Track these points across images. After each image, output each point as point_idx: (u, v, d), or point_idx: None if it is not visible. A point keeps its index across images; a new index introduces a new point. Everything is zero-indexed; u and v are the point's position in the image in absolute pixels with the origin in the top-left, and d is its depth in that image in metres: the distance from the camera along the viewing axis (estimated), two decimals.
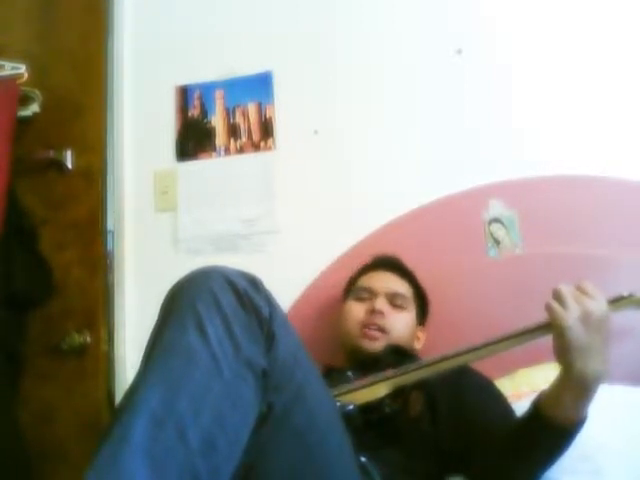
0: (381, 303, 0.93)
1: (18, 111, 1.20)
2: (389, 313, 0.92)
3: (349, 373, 0.84)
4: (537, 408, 0.70)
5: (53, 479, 1.11)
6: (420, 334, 0.99)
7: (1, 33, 1.29)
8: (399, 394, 0.76)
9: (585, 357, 0.65)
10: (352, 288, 0.99)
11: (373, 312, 0.92)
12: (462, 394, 0.81)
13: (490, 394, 0.84)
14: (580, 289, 0.67)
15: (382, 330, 0.91)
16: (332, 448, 0.63)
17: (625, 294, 0.71)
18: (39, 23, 1.30)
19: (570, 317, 0.65)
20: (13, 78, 1.22)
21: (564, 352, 0.66)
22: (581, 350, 0.65)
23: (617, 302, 0.70)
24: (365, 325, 0.91)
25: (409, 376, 0.76)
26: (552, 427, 0.68)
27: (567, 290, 0.67)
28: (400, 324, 0.93)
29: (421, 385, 0.78)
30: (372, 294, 0.95)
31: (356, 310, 0.94)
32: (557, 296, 0.67)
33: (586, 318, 0.65)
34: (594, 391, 0.67)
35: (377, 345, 0.90)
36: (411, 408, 0.77)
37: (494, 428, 0.75)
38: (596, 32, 1.11)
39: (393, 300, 0.94)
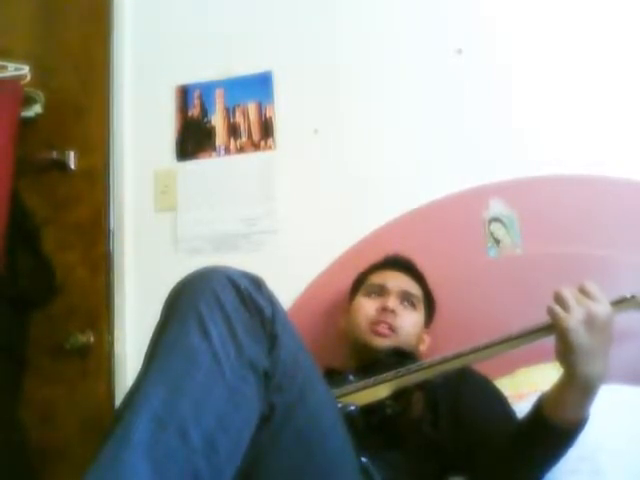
0: (393, 301, 0.92)
1: (21, 112, 1.21)
2: (400, 312, 0.92)
3: (350, 377, 0.84)
4: (539, 409, 0.70)
5: (55, 479, 1.11)
6: (425, 337, 0.99)
7: (5, 35, 1.30)
8: (400, 395, 0.76)
9: (588, 359, 0.65)
10: (362, 285, 0.99)
11: (385, 310, 0.91)
12: (462, 395, 0.81)
13: (490, 394, 0.84)
14: (583, 290, 0.67)
15: (392, 329, 0.91)
16: (334, 449, 0.63)
17: (628, 295, 0.71)
18: (42, 25, 1.30)
19: (572, 320, 0.64)
20: (16, 79, 1.22)
21: (566, 355, 0.66)
22: (584, 353, 0.65)
23: (619, 303, 0.70)
24: (375, 322, 0.91)
25: (410, 377, 0.76)
26: (554, 428, 0.68)
27: (569, 292, 0.66)
28: (410, 324, 0.93)
29: (422, 386, 0.78)
30: (384, 292, 0.94)
31: (367, 306, 0.94)
32: (559, 299, 0.67)
33: (589, 321, 0.64)
34: (596, 392, 0.67)
35: (385, 343, 0.89)
36: (412, 409, 0.77)
37: (495, 429, 0.75)
38: (596, 32, 1.11)
39: (405, 300, 0.95)
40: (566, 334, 0.65)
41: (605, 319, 0.65)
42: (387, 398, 0.76)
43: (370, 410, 0.75)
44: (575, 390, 0.66)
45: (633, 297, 0.71)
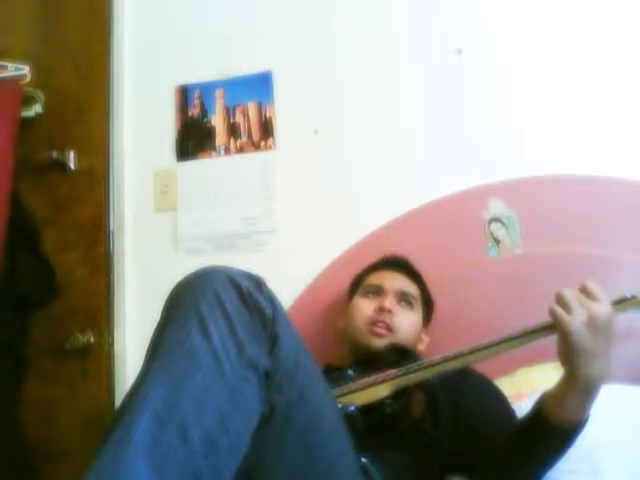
0: (390, 301, 0.93)
1: (21, 112, 1.21)
2: (397, 312, 0.93)
3: (350, 372, 0.84)
4: (540, 409, 0.70)
5: (56, 479, 1.11)
6: (424, 336, 0.99)
7: (4, 35, 1.30)
8: (400, 395, 0.76)
9: (589, 360, 0.65)
10: (360, 285, 0.99)
11: (382, 310, 0.92)
12: (463, 395, 0.81)
13: (491, 394, 0.84)
14: (585, 290, 0.67)
15: (389, 328, 0.91)
16: (334, 450, 0.63)
17: (628, 295, 0.71)
18: (42, 25, 1.30)
19: (574, 321, 0.65)
20: (16, 79, 1.22)
21: (568, 355, 0.66)
22: (585, 354, 0.65)
23: (620, 303, 0.70)
24: (373, 322, 0.91)
25: (410, 377, 0.76)
26: (555, 428, 0.68)
27: (571, 293, 0.66)
28: (407, 323, 0.93)
29: (422, 386, 0.78)
30: (381, 292, 0.95)
31: (365, 307, 0.94)
32: (560, 300, 0.67)
33: (591, 322, 0.65)
34: (597, 392, 0.67)
35: (383, 342, 0.90)
36: (412, 409, 0.77)
37: (495, 429, 0.75)
38: (596, 32, 1.11)
39: (402, 299, 0.95)
40: (569, 336, 0.65)
41: (606, 320, 0.66)
42: (387, 397, 0.76)
43: (370, 409, 0.75)
44: (576, 391, 0.66)
45: (634, 297, 0.71)
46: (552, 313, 0.67)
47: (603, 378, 0.67)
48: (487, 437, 0.75)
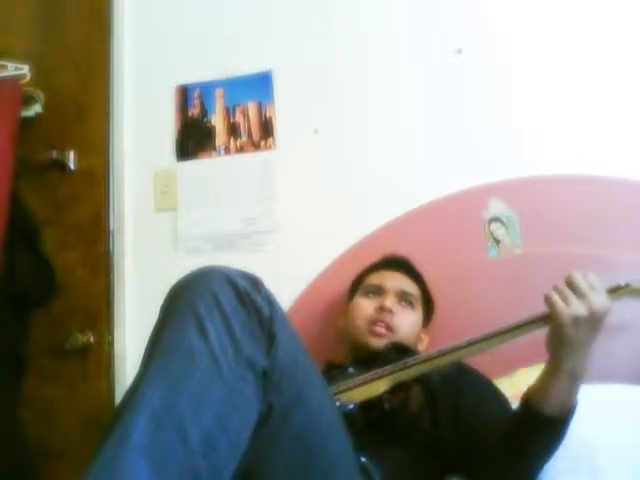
0: (391, 301, 0.93)
1: (21, 112, 1.21)
2: (398, 311, 0.93)
3: (350, 369, 0.85)
4: (527, 402, 0.71)
5: (55, 479, 1.11)
6: (424, 336, 0.99)
7: (4, 34, 1.30)
8: (398, 390, 0.76)
9: (577, 351, 0.67)
10: (360, 285, 0.99)
11: (382, 309, 0.92)
12: (462, 394, 0.81)
13: (490, 394, 0.84)
14: (588, 279, 0.68)
15: (389, 328, 0.91)
16: (333, 449, 0.63)
17: (622, 284, 0.72)
18: (42, 24, 1.30)
19: (571, 312, 0.65)
20: (16, 79, 1.22)
21: (558, 345, 0.68)
22: (575, 345, 0.66)
23: (614, 292, 0.71)
24: (373, 322, 0.91)
25: (408, 371, 0.76)
26: (544, 418, 0.69)
27: (572, 282, 0.67)
28: (407, 323, 0.93)
29: (420, 381, 0.78)
30: (382, 292, 0.95)
31: (365, 306, 0.94)
32: (559, 291, 0.67)
33: (591, 316, 0.66)
34: (581, 379, 0.69)
35: (383, 342, 0.90)
36: (411, 404, 0.78)
37: (494, 430, 0.75)
38: (596, 32, 1.11)
39: (402, 299, 0.95)
40: (562, 327, 0.66)
41: (603, 315, 0.67)
42: (385, 393, 0.76)
43: (368, 406, 0.75)
44: (561, 379, 0.68)
45: (627, 285, 0.72)
46: (548, 300, 0.67)
47: (586, 367, 0.68)
48: (486, 437, 0.75)
